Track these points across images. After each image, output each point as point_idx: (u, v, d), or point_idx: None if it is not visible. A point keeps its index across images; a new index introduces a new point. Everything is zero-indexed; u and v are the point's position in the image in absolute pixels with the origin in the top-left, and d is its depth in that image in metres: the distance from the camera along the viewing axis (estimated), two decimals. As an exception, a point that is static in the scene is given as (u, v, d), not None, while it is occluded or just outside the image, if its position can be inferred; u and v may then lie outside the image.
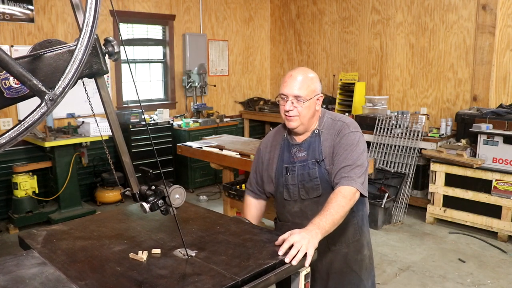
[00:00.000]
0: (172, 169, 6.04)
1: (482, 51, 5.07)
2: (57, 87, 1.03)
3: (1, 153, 4.79)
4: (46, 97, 1.02)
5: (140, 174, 1.58)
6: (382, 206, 4.63)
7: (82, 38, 1.06)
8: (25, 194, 4.68)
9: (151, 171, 1.55)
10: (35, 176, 4.78)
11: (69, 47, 1.26)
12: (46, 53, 1.22)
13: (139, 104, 6.15)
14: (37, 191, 4.80)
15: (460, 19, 5.30)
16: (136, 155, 5.63)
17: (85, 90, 1.56)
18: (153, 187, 1.56)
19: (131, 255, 1.54)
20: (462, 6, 5.25)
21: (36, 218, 4.76)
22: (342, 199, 1.71)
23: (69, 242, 1.68)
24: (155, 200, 1.54)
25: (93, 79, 1.38)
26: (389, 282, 3.59)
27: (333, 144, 1.88)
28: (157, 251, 1.57)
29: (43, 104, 1.02)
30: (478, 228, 4.51)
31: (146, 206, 1.53)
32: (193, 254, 1.55)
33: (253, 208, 2.14)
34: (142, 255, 1.52)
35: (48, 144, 4.62)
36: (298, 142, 1.96)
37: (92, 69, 1.34)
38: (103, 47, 1.36)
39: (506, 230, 4.29)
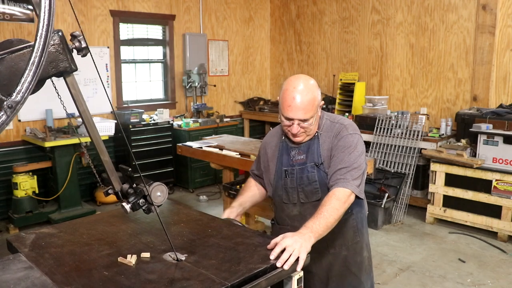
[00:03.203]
0: (172, 169, 6.04)
1: (482, 51, 5.07)
2: (15, 93, 0.96)
3: (1, 153, 4.77)
4: (4, 104, 0.95)
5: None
6: (382, 206, 4.63)
7: (39, 39, 0.98)
8: (25, 194, 4.68)
9: (130, 169, 1.51)
10: (35, 176, 4.78)
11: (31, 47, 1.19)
12: (7, 54, 1.15)
13: (139, 105, 6.16)
14: (37, 191, 4.79)
15: (460, 19, 5.30)
16: (136, 155, 5.63)
17: (56, 89, 1.47)
18: (134, 186, 1.52)
19: (120, 259, 1.51)
20: (462, 6, 5.25)
21: (36, 218, 4.75)
22: (336, 202, 1.69)
23: (58, 246, 1.65)
24: (136, 199, 1.50)
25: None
26: (389, 282, 3.59)
27: (331, 147, 1.85)
28: (146, 255, 1.54)
29: (1, 113, 0.95)
30: (478, 228, 4.51)
31: (127, 206, 1.50)
32: (183, 258, 1.52)
33: (253, 187, 2.15)
34: (131, 259, 1.49)
35: (48, 144, 4.62)
36: (297, 145, 1.93)
37: (59, 68, 1.27)
38: (70, 43, 1.29)
39: (506, 230, 4.29)
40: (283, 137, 1.98)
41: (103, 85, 1.68)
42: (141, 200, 1.51)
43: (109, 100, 1.57)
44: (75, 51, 1.32)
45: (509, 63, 4.95)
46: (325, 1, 6.70)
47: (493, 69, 5.02)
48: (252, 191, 2.14)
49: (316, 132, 1.90)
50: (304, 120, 1.79)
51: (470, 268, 3.80)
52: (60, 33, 1.26)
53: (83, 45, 1.30)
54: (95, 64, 1.50)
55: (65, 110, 1.58)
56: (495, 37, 4.96)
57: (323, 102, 1.89)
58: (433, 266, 3.85)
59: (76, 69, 1.31)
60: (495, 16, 4.92)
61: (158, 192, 1.52)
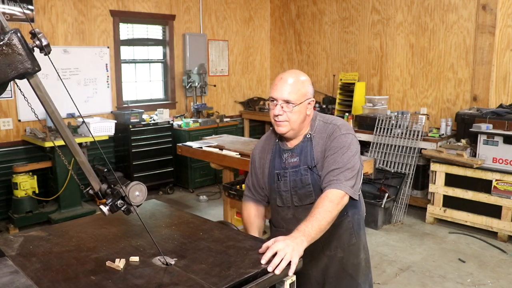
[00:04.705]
0: (172, 169, 6.04)
1: (482, 51, 5.07)
2: None
3: (1, 153, 4.77)
4: None
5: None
6: (382, 206, 4.63)
7: None
8: (25, 194, 4.68)
9: (106, 170, 1.49)
10: (35, 176, 4.78)
11: None
12: None
13: (139, 105, 6.16)
14: (37, 191, 4.79)
15: (460, 19, 5.29)
16: (136, 155, 5.63)
17: (21, 91, 1.40)
18: (112, 186, 1.48)
19: (108, 263, 1.48)
20: (462, 6, 5.25)
21: (36, 218, 4.75)
22: (329, 204, 1.66)
23: (46, 249, 1.62)
24: (114, 200, 1.46)
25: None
26: (389, 282, 3.59)
27: (325, 148, 1.83)
28: (135, 259, 1.51)
29: None
30: (478, 228, 4.50)
31: (105, 208, 1.46)
32: (172, 262, 1.48)
33: (255, 217, 2.04)
34: (119, 263, 1.46)
35: (48, 144, 4.61)
36: (290, 148, 1.91)
37: (19, 70, 1.19)
38: (30, 41, 1.22)
39: (506, 230, 4.29)
40: (277, 140, 1.96)
41: (64, 85, 1.58)
42: (119, 201, 1.47)
43: (73, 102, 1.51)
44: (37, 50, 1.24)
45: (509, 63, 4.95)
46: (325, 1, 6.70)
47: (493, 69, 5.02)
48: (255, 225, 2.03)
49: (309, 134, 1.88)
50: (288, 102, 1.78)
51: (470, 268, 3.80)
52: (18, 33, 1.19)
53: (44, 42, 1.23)
54: (52, 63, 1.43)
55: (34, 112, 1.55)
56: (495, 37, 4.96)
57: (314, 99, 1.88)
58: (433, 266, 3.85)
59: (39, 69, 1.23)
60: (495, 16, 4.92)
61: (137, 192, 1.48)
